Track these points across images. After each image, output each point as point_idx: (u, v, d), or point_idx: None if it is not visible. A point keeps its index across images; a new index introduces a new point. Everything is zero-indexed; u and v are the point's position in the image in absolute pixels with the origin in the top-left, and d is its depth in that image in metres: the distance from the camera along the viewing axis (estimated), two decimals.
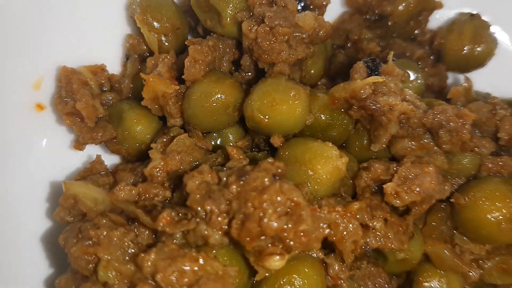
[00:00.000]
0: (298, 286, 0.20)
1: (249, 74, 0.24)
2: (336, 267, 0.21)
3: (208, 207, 0.19)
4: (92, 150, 0.23)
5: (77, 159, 0.23)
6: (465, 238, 0.23)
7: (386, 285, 0.22)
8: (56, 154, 0.23)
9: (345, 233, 0.20)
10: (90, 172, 0.24)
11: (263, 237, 0.19)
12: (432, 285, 0.23)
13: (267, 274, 0.20)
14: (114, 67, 0.24)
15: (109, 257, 0.19)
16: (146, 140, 0.23)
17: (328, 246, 0.22)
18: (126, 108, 0.23)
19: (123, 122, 0.23)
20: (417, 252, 0.22)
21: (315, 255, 0.22)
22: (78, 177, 0.23)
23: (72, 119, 0.23)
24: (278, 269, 0.20)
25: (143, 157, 0.24)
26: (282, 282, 0.20)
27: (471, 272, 0.23)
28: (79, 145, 0.24)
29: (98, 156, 0.23)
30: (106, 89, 0.25)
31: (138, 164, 0.23)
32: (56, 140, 0.23)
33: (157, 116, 0.24)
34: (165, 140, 0.23)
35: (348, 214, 0.21)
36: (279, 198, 0.19)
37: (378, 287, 0.22)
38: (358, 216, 0.21)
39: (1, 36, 0.21)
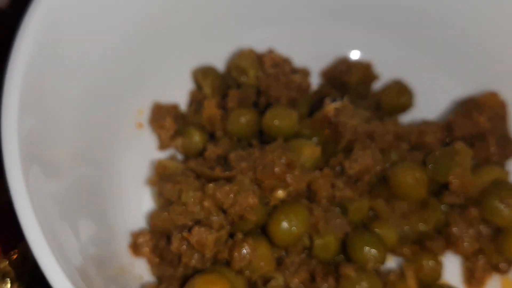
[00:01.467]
0: (294, 213, 0.32)
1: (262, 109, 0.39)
2: (316, 210, 0.34)
3: (242, 164, 0.33)
4: (169, 151, 0.37)
5: (161, 156, 0.37)
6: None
7: (346, 226, 0.34)
8: (148, 153, 0.37)
9: (320, 183, 0.33)
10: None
11: (274, 177, 0.32)
12: (377, 230, 0.35)
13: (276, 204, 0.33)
14: (183, 107, 0.39)
15: (187, 189, 0.32)
16: (202, 144, 0.37)
17: (310, 198, 0.35)
18: (190, 127, 0.38)
19: (188, 135, 0.37)
20: (365, 204, 0.34)
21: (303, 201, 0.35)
22: None
23: (159, 130, 0.37)
24: (282, 200, 0.33)
25: (199, 155, 0.38)
26: (285, 211, 0.32)
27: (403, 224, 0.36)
28: (162, 147, 0.38)
29: (174, 154, 0.37)
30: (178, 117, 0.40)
31: (198, 157, 0.37)
32: (148, 144, 0.37)
33: (208, 132, 0.38)
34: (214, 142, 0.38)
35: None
36: (283, 158, 0.33)
37: (341, 227, 0.34)
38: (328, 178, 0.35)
39: (121, 78, 0.36)
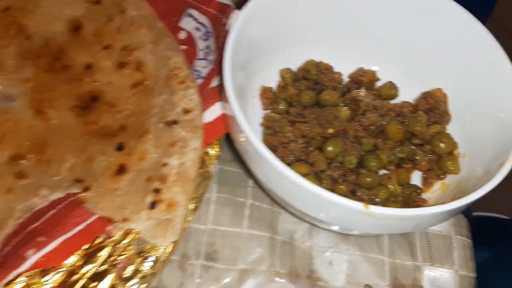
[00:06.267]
0: (336, 142, 0.63)
1: (318, 91, 0.70)
2: (347, 142, 0.65)
3: (311, 116, 0.64)
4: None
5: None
6: None
7: (361, 151, 0.65)
8: (259, 111, 0.67)
9: (349, 128, 0.64)
10: None
11: (328, 123, 0.63)
12: (377, 154, 0.66)
13: None
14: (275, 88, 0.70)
15: (285, 126, 0.63)
16: (285, 108, 0.68)
17: (344, 136, 0.66)
18: (279, 99, 0.69)
19: (278, 103, 0.68)
20: (371, 141, 0.64)
21: (341, 136, 0.65)
22: None
23: (263, 99, 0.68)
24: (331, 134, 0.64)
25: (285, 113, 0.69)
26: (332, 140, 0.64)
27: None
28: (264, 109, 0.68)
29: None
30: None
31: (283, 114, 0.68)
32: (259, 106, 0.67)
33: (288, 102, 0.69)
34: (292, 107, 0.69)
35: None
36: (331, 114, 0.64)
37: (359, 151, 0.65)
38: (353, 126, 0.65)
39: (251, 72, 0.67)
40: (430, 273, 0.59)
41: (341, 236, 0.61)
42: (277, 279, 0.57)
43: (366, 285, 0.58)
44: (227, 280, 0.57)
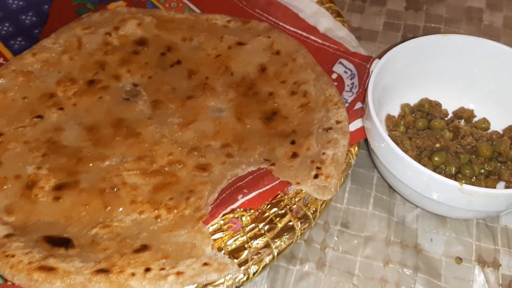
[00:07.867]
0: (440, 154, 0.89)
1: (429, 120, 0.97)
2: (448, 155, 0.90)
3: (423, 134, 0.90)
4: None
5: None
6: None
7: (459, 162, 0.90)
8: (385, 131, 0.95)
9: (450, 145, 0.89)
10: None
11: (435, 139, 0.89)
12: (471, 165, 0.90)
13: None
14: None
15: (404, 140, 0.90)
16: (404, 130, 0.95)
17: (446, 150, 0.91)
18: (400, 125, 0.96)
19: (399, 127, 0.96)
20: (467, 156, 0.89)
21: (444, 151, 0.90)
22: None
23: (388, 123, 0.96)
24: (438, 148, 0.89)
25: (404, 133, 0.96)
26: (437, 152, 0.89)
27: None
28: (389, 130, 0.96)
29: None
30: None
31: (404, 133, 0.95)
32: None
33: (407, 126, 0.96)
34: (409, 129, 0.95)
35: None
36: (438, 134, 0.90)
37: (458, 163, 0.90)
38: (454, 144, 0.91)
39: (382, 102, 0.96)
40: (507, 255, 0.81)
41: (440, 222, 0.85)
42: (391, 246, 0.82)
43: (458, 257, 0.81)
44: (355, 241, 0.83)
